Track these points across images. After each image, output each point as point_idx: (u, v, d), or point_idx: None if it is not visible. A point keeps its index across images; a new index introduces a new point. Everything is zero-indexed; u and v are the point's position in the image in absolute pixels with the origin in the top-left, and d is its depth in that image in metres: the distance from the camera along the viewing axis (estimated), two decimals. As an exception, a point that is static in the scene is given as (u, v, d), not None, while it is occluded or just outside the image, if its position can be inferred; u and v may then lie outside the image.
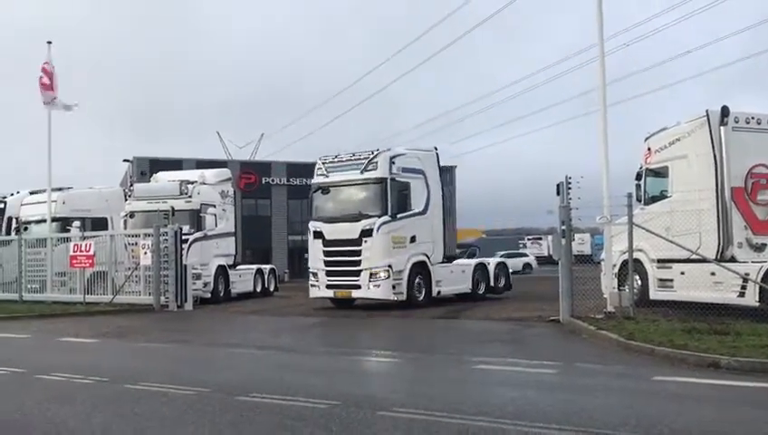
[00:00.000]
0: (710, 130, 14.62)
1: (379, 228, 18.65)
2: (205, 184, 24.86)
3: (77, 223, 24.07)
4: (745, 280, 13.64)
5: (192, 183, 24.28)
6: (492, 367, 9.82)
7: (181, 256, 21.01)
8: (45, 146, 24.80)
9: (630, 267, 14.30)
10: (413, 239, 19.41)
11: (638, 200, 16.28)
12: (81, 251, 21.72)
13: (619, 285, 15.32)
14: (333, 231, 19.24)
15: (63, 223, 24.83)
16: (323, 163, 20.00)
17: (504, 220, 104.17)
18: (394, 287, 18.63)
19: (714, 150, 14.53)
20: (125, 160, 48.50)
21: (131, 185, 29.66)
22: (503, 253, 57.45)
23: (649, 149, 16.67)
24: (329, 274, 19.38)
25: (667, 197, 15.94)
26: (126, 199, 25.73)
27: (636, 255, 14.60)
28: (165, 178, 26.04)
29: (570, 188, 15.37)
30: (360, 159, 19.26)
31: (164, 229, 21.15)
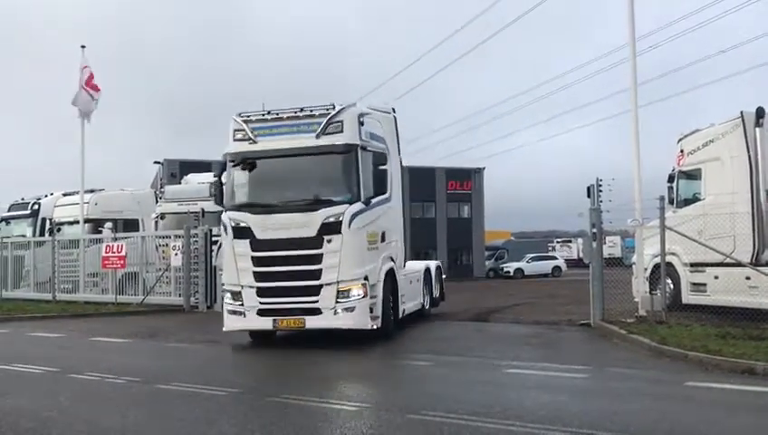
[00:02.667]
0: (745, 132, 14.36)
1: (351, 221, 12.07)
2: (234, 186, 24.98)
3: (109, 224, 24.38)
4: (781, 285, 13.36)
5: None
6: (523, 371, 9.74)
7: (211, 257, 21.16)
8: (79, 149, 25.24)
9: (663, 271, 14.10)
10: (383, 237, 13.32)
11: (671, 203, 16.04)
12: (112, 252, 22.01)
13: (650, 289, 15.10)
14: (271, 226, 12.27)
15: (96, 224, 25.17)
16: (246, 122, 12.70)
17: (534, 223, 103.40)
18: (371, 310, 12.36)
19: (749, 152, 14.26)
20: (155, 162, 49.11)
21: (162, 187, 29.98)
22: (532, 255, 57.32)
23: (682, 151, 16.42)
24: (264, 292, 12.29)
25: (699, 199, 15.69)
26: (157, 201, 26.02)
27: (668, 258, 14.38)
28: (195, 180, 26.25)
29: (600, 191, 15.28)
30: (311, 116, 12.49)
31: (194, 231, 21.32)
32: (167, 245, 22.12)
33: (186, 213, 22.74)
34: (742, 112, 14.47)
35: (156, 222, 24.51)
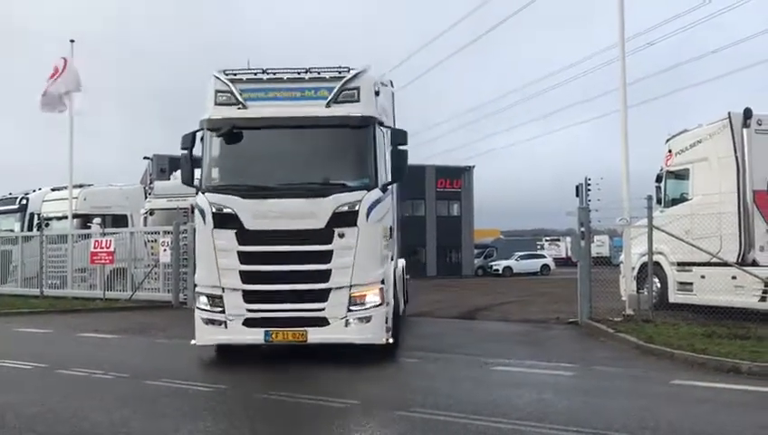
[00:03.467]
0: (732, 133, 14.48)
1: (370, 211, 9.87)
2: (224, 182, 24.94)
3: (97, 220, 24.24)
4: (767, 284, 13.51)
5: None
6: (510, 369, 9.81)
7: (208, 253, 21.07)
8: (67, 143, 25.12)
9: (650, 270, 14.20)
10: (391, 232, 11.27)
11: (659, 203, 16.15)
12: (101, 248, 21.92)
13: (638, 288, 15.22)
14: (265, 214, 9.83)
15: (84, 220, 25.02)
16: (233, 82, 10.16)
17: (523, 221, 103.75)
18: (386, 320, 10.16)
19: (736, 153, 14.38)
20: (145, 158, 48.84)
21: (151, 182, 29.86)
22: (520, 254, 57.53)
23: (670, 151, 16.54)
24: (253, 297, 9.81)
25: (687, 199, 15.81)
26: (146, 197, 25.91)
27: (655, 257, 14.49)
28: (184, 177, 26.16)
29: (589, 190, 15.31)
30: (319, 79, 10.16)
31: (183, 227, 21.21)
32: (155, 241, 22.04)
33: (175, 209, 22.66)
34: (729, 113, 14.59)
35: (145, 218, 24.41)
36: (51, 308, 20.26)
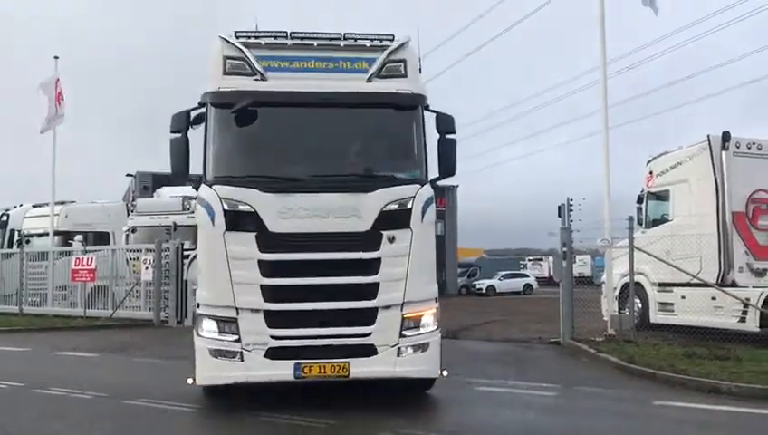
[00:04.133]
0: (711, 155, 14.68)
1: (425, 210, 8.10)
2: (207, 200, 24.87)
3: (79, 237, 24.03)
4: (746, 305, 13.64)
5: (194, 198, 24.28)
6: (493, 389, 9.81)
7: (182, 271, 20.97)
8: (50, 159, 24.97)
9: (631, 290, 14.29)
10: None
11: (640, 223, 16.29)
12: (82, 265, 21.71)
13: (619, 308, 15.31)
14: (294, 213, 7.82)
15: (65, 237, 24.83)
16: (248, 46, 8.10)
17: (506, 240, 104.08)
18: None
19: (715, 175, 14.57)
20: (128, 175, 48.61)
21: (134, 200, 29.70)
22: (504, 273, 57.58)
23: (651, 172, 16.73)
24: (279, 319, 7.76)
25: (668, 220, 15.98)
26: (128, 214, 25.75)
27: (636, 278, 14.59)
28: (167, 194, 26.03)
29: (571, 210, 15.46)
30: (357, 48, 8.31)
31: (165, 245, 21.12)
32: (137, 258, 21.89)
33: (157, 226, 22.53)
34: (708, 136, 14.80)
35: (127, 235, 24.25)
36: (30, 326, 20.01)
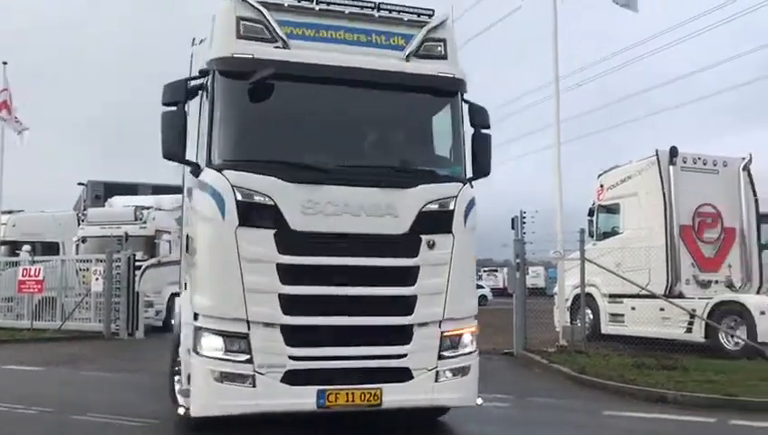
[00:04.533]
0: (660, 170, 15.10)
1: (468, 212, 7.13)
2: (161, 210, 24.50)
3: (27, 247, 23.40)
4: (692, 316, 14.05)
5: (147, 209, 23.94)
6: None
7: (134, 283, 20.61)
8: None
9: (582, 302, 14.56)
10: None
11: (591, 236, 16.63)
12: (30, 276, 21.11)
13: (571, 319, 15.57)
14: (324, 208, 6.59)
15: (13, 247, 24.20)
16: (267, 7, 6.83)
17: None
18: None
19: (663, 189, 14.98)
20: (79, 184, 47.64)
21: (85, 209, 29.12)
22: (459, 284, 58.07)
23: (602, 185, 17.11)
24: (299, 338, 6.49)
25: (618, 233, 16.35)
26: (79, 224, 25.22)
27: (588, 289, 14.87)
28: (120, 203, 25.62)
29: (524, 222, 15.69)
30: (392, 21, 7.26)
31: (117, 255, 20.73)
32: (87, 269, 21.43)
33: (109, 237, 22.15)
34: (657, 151, 15.23)
35: (77, 245, 23.76)
36: (-27, 339, 19.38)
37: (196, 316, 6.49)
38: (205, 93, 6.83)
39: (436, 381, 6.76)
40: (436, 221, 6.81)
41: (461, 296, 6.95)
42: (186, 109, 6.67)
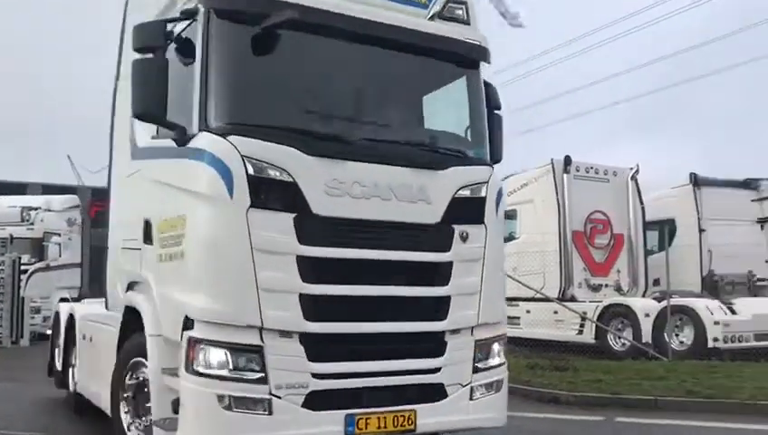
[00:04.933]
0: (554, 177, 15.71)
1: (499, 200, 5.99)
2: (50, 211, 23.37)
3: None
4: (584, 318, 14.67)
5: (35, 209, 22.79)
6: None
7: (19, 287, 19.56)
8: None
9: (480, 305, 14.88)
10: None
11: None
12: None
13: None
14: (351, 189, 5.22)
15: None
16: None
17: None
18: None
19: (557, 196, 15.60)
20: (-41, 181, 44.73)
21: (-35, 209, 27.36)
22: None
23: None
24: (325, 350, 5.10)
25: (515, 238, 16.84)
26: (-42, 225, 23.67)
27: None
28: (5, 204, 24.25)
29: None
30: None
31: (0, 258, 19.66)
32: (-33, 273, 20.15)
33: (-9, 239, 20.90)
34: (552, 159, 15.85)
35: (-43, 248, 22.29)
36: None
37: (188, 324, 4.97)
38: (191, 41, 5.31)
39: (470, 398, 5.65)
40: (468, 209, 5.73)
41: (494, 298, 5.87)
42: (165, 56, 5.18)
